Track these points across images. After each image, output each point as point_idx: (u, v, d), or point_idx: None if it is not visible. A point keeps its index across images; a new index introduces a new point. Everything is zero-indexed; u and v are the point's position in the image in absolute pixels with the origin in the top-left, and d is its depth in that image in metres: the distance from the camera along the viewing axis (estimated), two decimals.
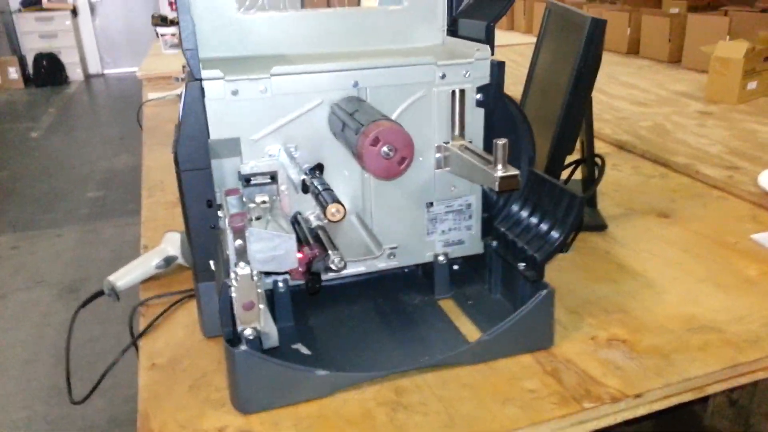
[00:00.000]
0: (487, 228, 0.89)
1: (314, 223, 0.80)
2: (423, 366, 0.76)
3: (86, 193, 4.19)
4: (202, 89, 0.72)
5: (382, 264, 0.87)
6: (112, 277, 1.01)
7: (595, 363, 0.77)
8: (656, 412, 0.74)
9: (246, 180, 0.78)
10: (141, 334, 0.85)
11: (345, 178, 0.82)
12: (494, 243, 0.88)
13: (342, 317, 0.87)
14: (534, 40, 1.25)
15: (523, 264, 0.80)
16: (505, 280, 0.89)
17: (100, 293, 1.00)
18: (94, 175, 4.49)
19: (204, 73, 0.72)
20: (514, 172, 0.70)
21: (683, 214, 1.17)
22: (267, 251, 0.66)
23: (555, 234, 0.77)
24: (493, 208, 0.89)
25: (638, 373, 0.75)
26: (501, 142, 0.70)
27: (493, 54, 0.83)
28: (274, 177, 0.78)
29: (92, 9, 6.68)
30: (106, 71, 7.03)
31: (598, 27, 0.95)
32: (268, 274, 0.78)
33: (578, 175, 1.20)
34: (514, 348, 0.78)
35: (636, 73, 2.42)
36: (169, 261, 1.03)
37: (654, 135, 1.63)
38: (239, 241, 0.65)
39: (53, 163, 4.77)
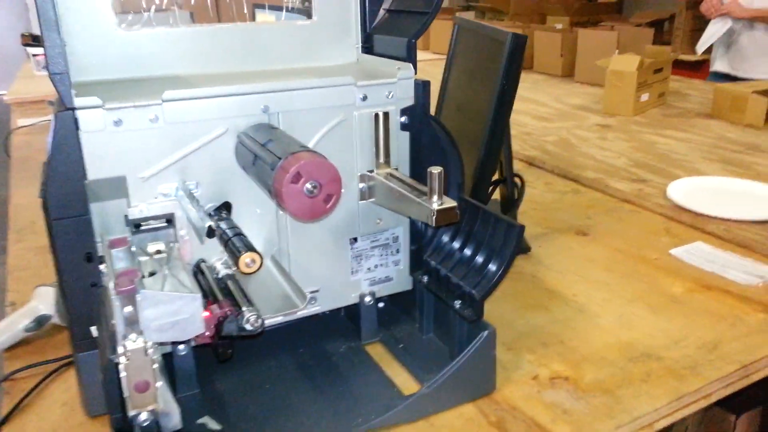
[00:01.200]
0: (417, 261, 0.82)
1: (222, 272, 0.68)
2: None
3: None
4: (76, 120, 0.59)
5: (303, 311, 0.76)
6: None
7: (541, 407, 0.71)
8: None
9: (135, 226, 0.65)
10: (4, 419, 0.69)
11: (257, 217, 0.71)
12: (425, 278, 0.80)
13: (257, 376, 0.75)
14: (432, 56, 1.20)
15: (459, 302, 0.73)
16: (438, 319, 0.81)
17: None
18: None
19: (78, 101, 0.58)
20: (451, 203, 0.63)
21: (600, 231, 1.16)
22: (165, 317, 0.53)
23: (493, 267, 0.71)
24: (421, 239, 0.81)
25: (587, 416, 0.70)
26: (436, 170, 0.62)
27: (415, 73, 0.75)
28: (170, 220, 0.66)
29: None
30: None
31: (518, 43, 0.90)
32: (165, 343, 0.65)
33: (495, 194, 1.16)
34: (455, 398, 0.71)
35: (533, 88, 2.47)
36: (41, 321, 0.87)
37: (560, 149, 1.63)
38: (128, 308, 0.52)
39: None
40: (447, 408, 0.70)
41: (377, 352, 0.81)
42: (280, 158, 0.56)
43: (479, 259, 0.73)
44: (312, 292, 0.76)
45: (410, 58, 0.75)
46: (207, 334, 0.58)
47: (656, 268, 1.02)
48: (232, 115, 0.66)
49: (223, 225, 0.63)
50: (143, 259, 0.62)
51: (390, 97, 0.74)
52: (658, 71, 2.10)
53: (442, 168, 0.62)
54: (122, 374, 0.53)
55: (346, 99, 0.71)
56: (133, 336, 0.53)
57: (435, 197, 0.63)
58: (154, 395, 0.55)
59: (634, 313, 0.90)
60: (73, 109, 0.58)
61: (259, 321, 0.59)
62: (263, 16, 1.05)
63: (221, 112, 0.65)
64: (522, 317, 0.89)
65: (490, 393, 0.73)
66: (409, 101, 0.75)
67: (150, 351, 0.53)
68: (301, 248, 0.74)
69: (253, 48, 0.79)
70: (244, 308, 0.59)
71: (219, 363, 0.74)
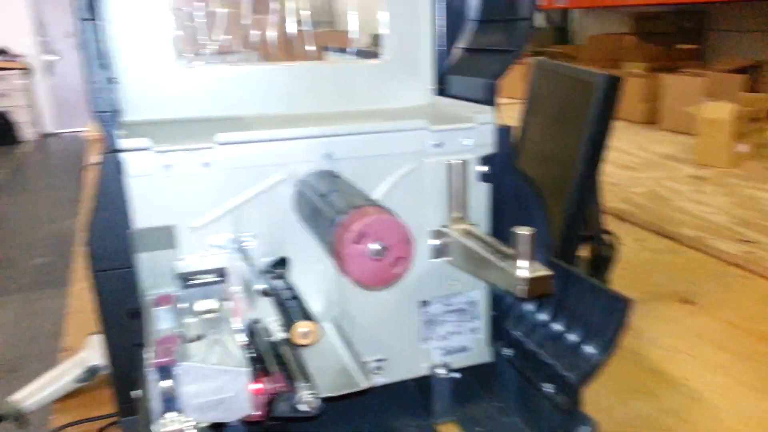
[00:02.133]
0: (498, 330, 0.71)
1: (277, 335, 0.60)
2: None
3: (32, 259, 3.89)
4: (122, 163, 0.54)
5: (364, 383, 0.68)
6: (17, 396, 0.79)
7: None
8: None
9: (184, 280, 0.59)
10: None
11: (316, 274, 0.63)
12: (507, 351, 0.69)
13: None
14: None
15: (551, 385, 0.61)
16: (523, 400, 0.70)
17: (2, 418, 0.77)
18: (42, 239, 4.19)
19: (125, 143, 0.53)
20: (545, 272, 0.53)
21: (708, 300, 1.01)
22: (208, 394, 0.46)
23: (593, 349, 0.59)
24: (502, 305, 0.71)
25: None
26: (526, 232, 0.53)
27: (497, 117, 0.67)
28: (222, 275, 0.59)
29: (49, 68, 6.50)
30: (60, 130, 6.78)
31: (612, 85, 0.80)
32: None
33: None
34: None
35: (614, 135, 2.33)
36: (93, 372, 0.82)
37: (651, 202, 1.49)
38: (167, 382, 0.45)
39: None
40: None
41: None
42: (341, 213, 0.48)
43: (574, 336, 0.62)
44: (377, 361, 0.67)
45: (491, 100, 0.67)
46: (257, 412, 0.50)
47: None
48: (292, 160, 0.59)
49: (278, 284, 0.55)
50: (190, 320, 0.55)
51: (467, 143, 0.65)
52: (755, 120, 1.93)
53: (533, 229, 0.53)
54: None
55: (418, 145, 0.64)
56: (171, 414, 0.45)
57: (524, 263, 0.53)
58: None
59: (760, 406, 0.75)
60: (119, 150, 0.53)
61: (317, 402, 0.50)
62: (331, 58, 1.00)
63: (279, 157, 0.59)
64: (623, 404, 0.76)
65: None
66: (489, 149, 0.67)
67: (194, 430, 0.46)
68: (366, 311, 0.65)
69: (319, 89, 0.73)
70: (299, 384, 0.51)
71: None
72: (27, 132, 6.41)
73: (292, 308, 0.51)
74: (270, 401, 0.50)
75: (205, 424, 0.47)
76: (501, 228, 0.68)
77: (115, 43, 0.61)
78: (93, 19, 0.53)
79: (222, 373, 0.46)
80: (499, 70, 0.68)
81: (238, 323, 0.57)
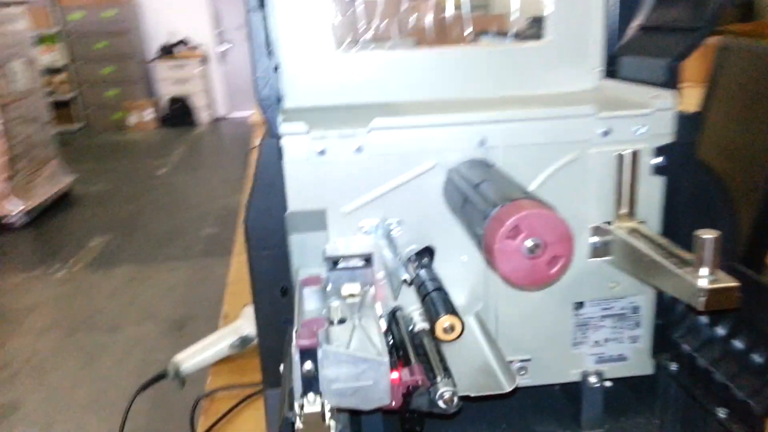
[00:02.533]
0: (662, 342, 0.64)
1: (419, 325, 0.59)
2: None
3: (202, 230, 4.28)
4: (281, 148, 0.55)
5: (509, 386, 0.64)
6: (179, 357, 0.86)
7: None
8: None
9: (333, 263, 0.59)
10: None
11: (462, 266, 0.60)
12: (673, 365, 0.62)
13: None
14: None
15: (725, 410, 0.54)
16: (688, 422, 0.62)
17: (163, 376, 0.85)
18: (212, 212, 4.59)
19: (284, 127, 0.54)
20: (730, 282, 0.46)
21: None
22: (347, 381, 0.45)
23: None
24: (670, 314, 0.63)
25: None
26: (710, 235, 0.46)
27: (679, 103, 0.59)
28: (368, 260, 0.59)
29: (222, 56, 7.08)
30: (231, 114, 7.38)
31: None
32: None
33: None
34: None
35: None
36: (245, 342, 0.87)
37: None
38: (308, 364, 0.45)
39: (175, 199, 4.95)
40: None
41: None
42: (495, 205, 0.45)
43: (758, 357, 0.53)
44: (522, 360, 0.64)
45: (671, 84, 0.60)
46: (393, 403, 0.49)
47: None
48: (443, 148, 0.57)
49: (423, 274, 0.53)
50: (335, 303, 0.55)
51: (641, 132, 0.59)
52: None
53: (719, 232, 0.46)
54: None
55: (583, 133, 0.58)
56: (311, 396, 0.46)
57: (705, 270, 0.46)
58: None
59: None
60: (279, 136, 0.54)
61: (455, 400, 0.48)
62: (488, 42, 0.96)
63: (431, 144, 0.57)
64: None
65: None
66: (668, 138, 0.59)
67: (328, 416, 0.46)
68: (513, 308, 0.62)
69: (476, 74, 0.70)
70: (438, 379, 0.49)
71: None
72: (202, 115, 7.06)
73: (436, 300, 0.48)
74: (407, 393, 0.49)
75: (342, 409, 0.47)
76: (675, 228, 0.61)
77: (278, 31, 0.63)
78: (260, 10, 0.55)
79: (362, 362, 0.45)
80: (684, 50, 0.60)
81: (380, 310, 0.56)
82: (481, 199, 0.48)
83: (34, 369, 1.83)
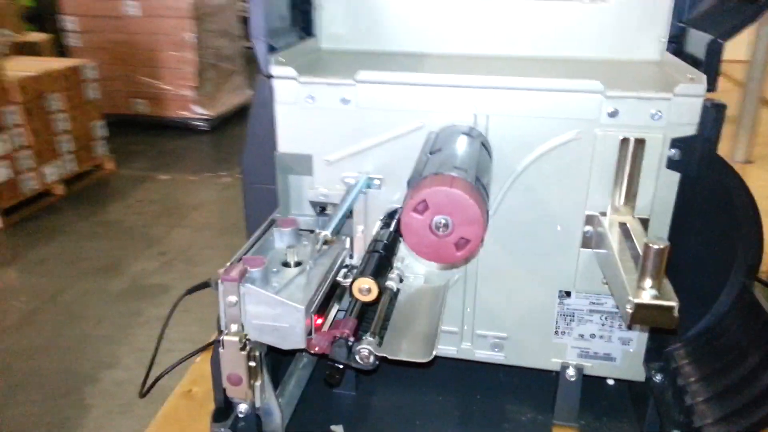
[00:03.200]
0: (656, 349, 0.58)
1: (389, 282, 0.60)
2: None
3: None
4: (272, 89, 0.58)
5: (482, 354, 0.63)
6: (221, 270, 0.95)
7: None
8: None
9: (321, 209, 0.62)
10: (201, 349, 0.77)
11: None
12: (658, 377, 0.57)
13: (419, 403, 0.66)
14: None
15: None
16: None
17: (208, 284, 0.95)
18: None
19: (275, 70, 0.57)
20: (667, 302, 0.41)
21: None
22: (266, 319, 0.49)
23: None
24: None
25: None
26: (656, 246, 0.41)
27: (712, 89, 0.51)
28: (351, 213, 0.60)
29: None
30: None
31: None
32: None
33: None
34: None
35: None
36: None
37: None
38: (232, 297, 0.49)
39: None
40: None
41: None
42: (419, 177, 0.44)
43: (752, 389, 0.47)
44: (498, 337, 0.62)
45: (709, 65, 0.51)
46: (317, 349, 0.51)
47: None
48: (431, 109, 0.55)
49: (380, 233, 0.54)
50: (294, 247, 0.57)
51: (656, 118, 0.52)
52: None
53: (668, 244, 0.41)
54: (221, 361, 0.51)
55: (587, 111, 0.53)
56: (234, 327, 0.50)
57: (648, 282, 0.42)
58: (246, 392, 0.52)
59: None
60: (270, 77, 0.57)
61: (371, 359, 0.49)
62: None
63: (419, 104, 0.55)
64: None
65: None
66: (689, 129, 0.52)
67: (248, 347, 0.50)
68: (494, 282, 0.60)
69: (526, 30, 0.65)
70: (364, 337, 0.51)
71: (326, 385, 0.66)
72: None
73: (368, 261, 0.49)
74: (333, 342, 0.51)
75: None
76: (686, 231, 0.54)
77: None
78: None
79: (280, 305, 0.48)
80: (733, 25, 0.51)
81: (339, 261, 0.58)
82: (420, 168, 0.47)
83: (187, 259, 2.08)
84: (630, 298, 0.41)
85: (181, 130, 3.16)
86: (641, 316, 0.41)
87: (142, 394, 0.73)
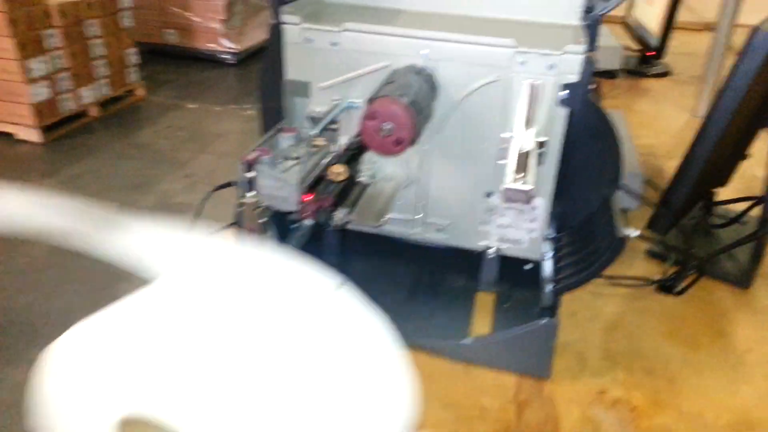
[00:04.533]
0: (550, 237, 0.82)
1: (363, 178, 0.83)
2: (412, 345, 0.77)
3: None
4: (281, 32, 0.80)
5: (429, 234, 0.87)
6: None
7: (577, 416, 0.69)
8: None
9: (311, 121, 0.84)
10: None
11: None
12: (549, 254, 0.80)
13: (381, 271, 0.90)
14: None
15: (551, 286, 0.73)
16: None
17: (231, 184, 1.17)
18: None
19: (284, 17, 0.79)
20: (524, 187, 0.64)
21: None
22: (273, 190, 0.73)
23: (584, 273, 0.69)
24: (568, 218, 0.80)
25: None
26: (523, 150, 0.64)
27: (592, 49, 0.72)
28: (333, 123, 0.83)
29: None
30: None
31: None
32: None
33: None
34: (499, 363, 0.74)
35: None
36: None
37: None
38: (250, 173, 0.73)
39: None
40: (490, 366, 0.74)
41: (485, 300, 0.86)
42: (375, 97, 0.66)
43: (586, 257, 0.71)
44: (441, 225, 0.86)
45: (590, 29, 0.72)
46: (306, 212, 0.75)
47: None
48: (396, 53, 0.77)
49: (355, 139, 0.77)
50: (300, 147, 0.80)
51: (551, 69, 0.73)
52: None
53: (528, 149, 0.63)
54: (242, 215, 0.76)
55: (504, 61, 0.74)
56: (252, 193, 0.74)
57: (519, 176, 0.64)
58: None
59: None
60: (280, 23, 0.79)
61: (341, 222, 0.74)
62: None
63: (387, 48, 0.77)
64: (657, 343, 0.80)
65: (541, 377, 0.73)
66: (573, 77, 0.73)
67: (260, 207, 0.74)
68: (442, 182, 0.83)
69: None
70: (339, 208, 0.75)
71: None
72: None
73: (343, 154, 0.73)
74: (317, 210, 0.75)
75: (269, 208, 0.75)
76: (570, 151, 0.76)
77: None
78: None
79: (280, 180, 0.72)
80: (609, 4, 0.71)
81: (326, 158, 0.81)
82: (375, 92, 0.69)
83: (210, 182, 2.32)
84: (504, 185, 0.64)
85: (209, 62, 3.33)
86: (509, 195, 0.64)
87: None
